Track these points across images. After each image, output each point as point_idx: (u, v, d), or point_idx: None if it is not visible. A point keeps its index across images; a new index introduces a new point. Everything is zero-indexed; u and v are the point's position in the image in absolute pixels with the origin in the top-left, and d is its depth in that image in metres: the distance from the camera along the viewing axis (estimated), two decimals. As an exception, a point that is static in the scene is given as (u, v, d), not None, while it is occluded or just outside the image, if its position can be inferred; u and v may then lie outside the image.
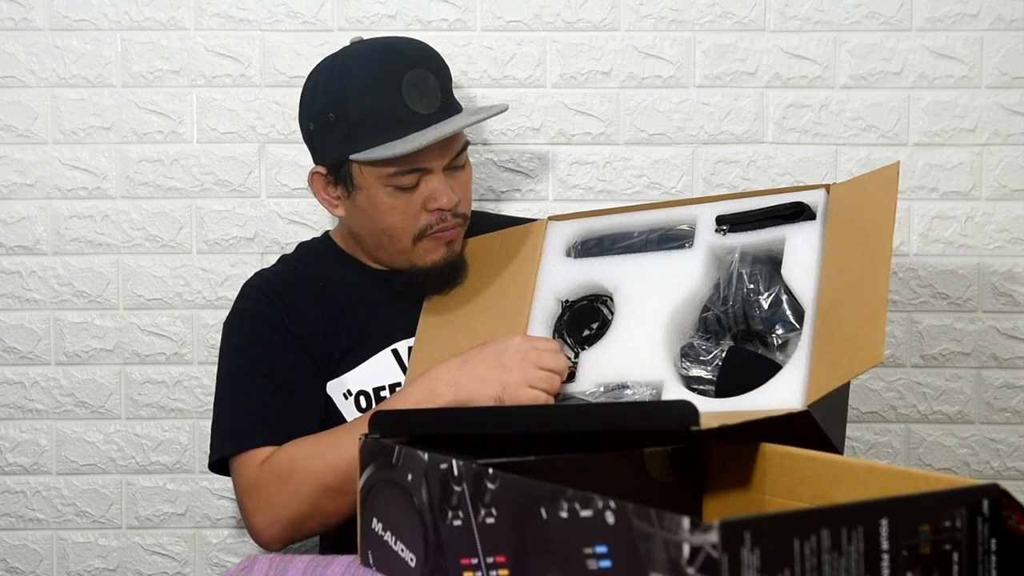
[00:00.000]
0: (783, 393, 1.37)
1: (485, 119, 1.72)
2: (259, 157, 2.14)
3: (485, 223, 1.89)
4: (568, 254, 1.70)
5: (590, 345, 1.59)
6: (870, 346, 1.30)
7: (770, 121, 2.14)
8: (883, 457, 2.16)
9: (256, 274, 1.82)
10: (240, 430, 1.65)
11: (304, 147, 2.13)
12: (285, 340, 1.71)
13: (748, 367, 1.45)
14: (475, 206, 2.07)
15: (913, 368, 2.16)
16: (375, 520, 1.23)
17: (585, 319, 1.62)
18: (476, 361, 1.55)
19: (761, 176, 2.14)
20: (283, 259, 1.86)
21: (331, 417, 1.70)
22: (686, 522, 0.82)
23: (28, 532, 2.16)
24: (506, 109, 1.79)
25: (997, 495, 0.95)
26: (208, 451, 1.70)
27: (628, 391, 1.51)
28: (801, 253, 1.49)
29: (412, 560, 1.17)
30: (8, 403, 2.14)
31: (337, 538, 1.77)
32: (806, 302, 1.45)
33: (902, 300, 2.15)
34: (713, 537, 0.80)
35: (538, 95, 2.15)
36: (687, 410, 1.13)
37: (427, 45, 1.74)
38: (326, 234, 1.88)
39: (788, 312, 1.48)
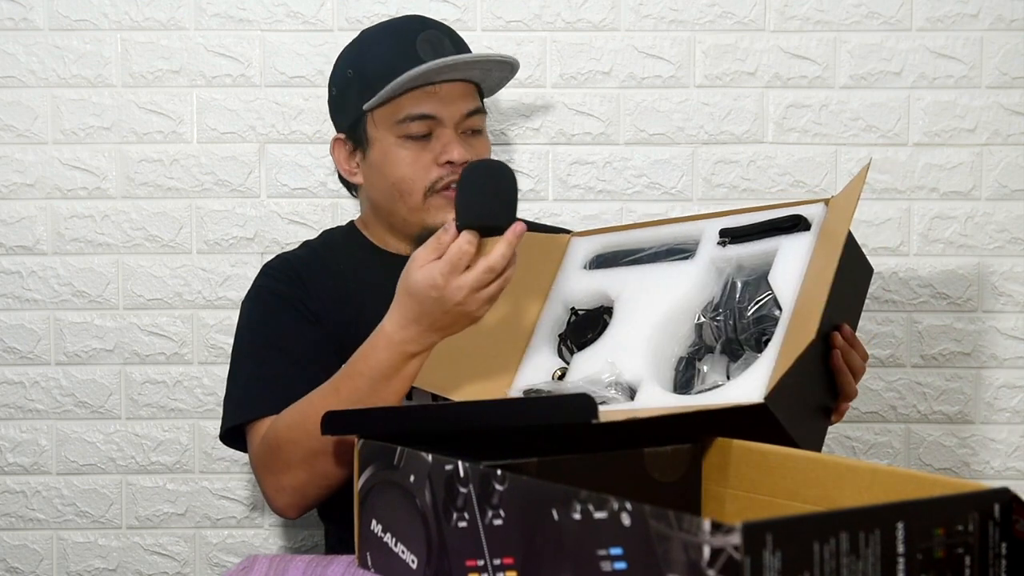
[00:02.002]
0: (745, 389, 1.38)
1: (494, 59, 1.72)
2: (259, 157, 2.13)
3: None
4: (585, 266, 1.71)
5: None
6: (804, 325, 1.31)
7: (770, 121, 2.15)
8: (883, 457, 2.16)
9: (277, 256, 1.83)
10: (245, 401, 1.66)
11: (304, 147, 2.14)
12: (301, 315, 1.71)
13: (486, 180, 1.42)
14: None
15: (913, 368, 2.16)
16: (374, 522, 1.23)
17: (587, 326, 1.63)
18: (430, 315, 1.43)
19: (761, 176, 2.14)
20: (306, 244, 1.86)
21: None
22: (707, 524, 0.82)
23: (28, 532, 2.15)
24: (517, 65, 1.77)
25: (1008, 499, 0.95)
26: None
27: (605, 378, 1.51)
28: (789, 261, 1.51)
29: (413, 562, 1.16)
30: (8, 403, 2.14)
31: (338, 538, 1.78)
32: (786, 306, 1.46)
33: (902, 300, 2.15)
34: (735, 539, 0.80)
35: (538, 95, 2.14)
36: (585, 404, 1.12)
37: (452, 30, 1.76)
38: (351, 222, 1.88)
39: (773, 320, 1.49)
